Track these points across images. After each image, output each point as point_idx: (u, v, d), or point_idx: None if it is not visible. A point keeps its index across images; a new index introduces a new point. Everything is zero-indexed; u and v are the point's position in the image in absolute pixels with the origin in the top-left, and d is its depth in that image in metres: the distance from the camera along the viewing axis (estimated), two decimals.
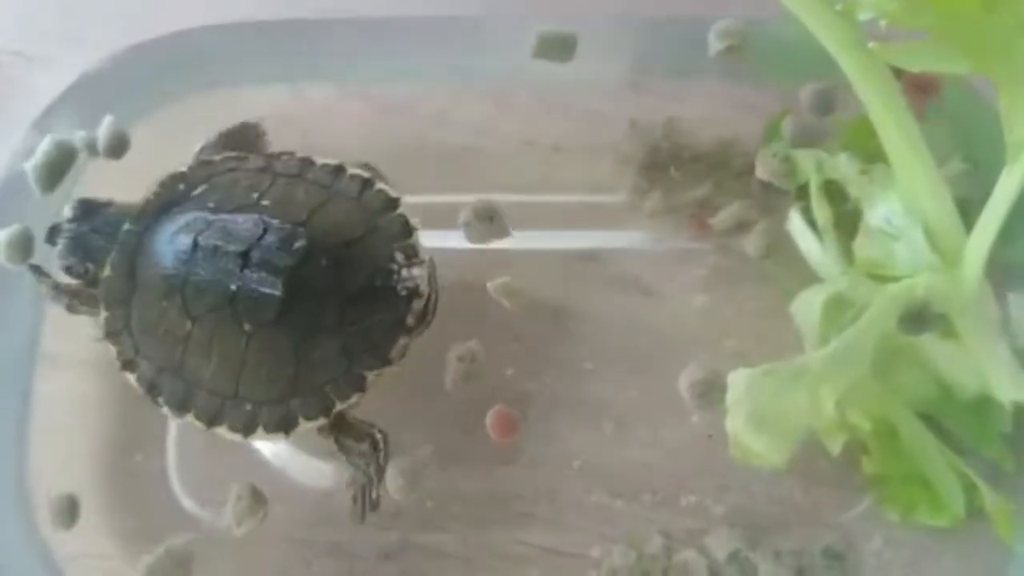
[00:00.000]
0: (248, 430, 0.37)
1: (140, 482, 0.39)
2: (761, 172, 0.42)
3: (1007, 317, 0.40)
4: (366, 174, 0.39)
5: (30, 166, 0.41)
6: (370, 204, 0.39)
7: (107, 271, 0.38)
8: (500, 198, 0.44)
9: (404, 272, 0.37)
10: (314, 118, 0.45)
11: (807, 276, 0.41)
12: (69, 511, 0.39)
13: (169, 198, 0.39)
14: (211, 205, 0.38)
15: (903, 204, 0.38)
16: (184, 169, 0.40)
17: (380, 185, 0.39)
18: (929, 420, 0.39)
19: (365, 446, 0.38)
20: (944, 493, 0.38)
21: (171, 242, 0.37)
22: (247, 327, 0.36)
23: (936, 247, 0.37)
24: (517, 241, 0.44)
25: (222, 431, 0.37)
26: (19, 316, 0.43)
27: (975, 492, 0.38)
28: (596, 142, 0.45)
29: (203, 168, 0.40)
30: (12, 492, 0.41)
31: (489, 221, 0.41)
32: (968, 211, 0.37)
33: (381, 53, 0.45)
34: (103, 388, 0.42)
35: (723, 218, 0.43)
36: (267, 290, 0.35)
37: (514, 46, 0.45)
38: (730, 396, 0.36)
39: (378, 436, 0.38)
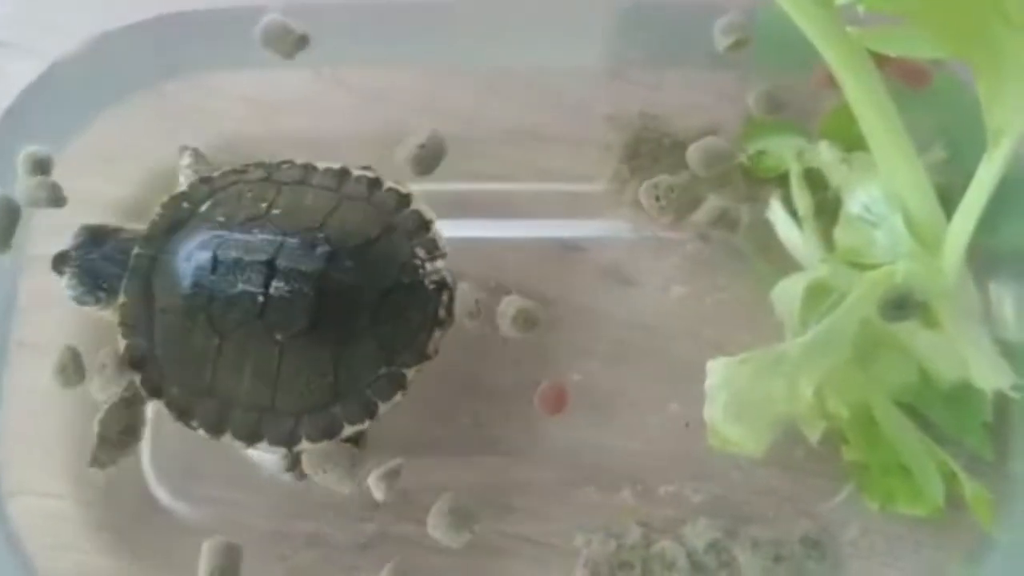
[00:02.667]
0: (291, 441, 0.36)
1: (113, 473, 0.39)
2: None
3: (988, 305, 0.40)
4: (371, 174, 0.39)
5: None
6: (383, 203, 0.38)
7: (122, 298, 0.37)
8: (482, 187, 0.44)
9: (428, 266, 0.37)
10: (290, 105, 0.44)
11: (787, 264, 0.41)
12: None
13: (175, 218, 0.38)
14: (220, 220, 0.37)
15: (883, 191, 0.38)
16: (184, 188, 0.39)
17: (389, 183, 0.39)
18: (909, 408, 0.39)
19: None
20: (923, 482, 0.38)
21: (188, 261, 0.36)
22: (279, 337, 0.35)
23: (916, 234, 0.37)
24: (498, 230, 0.44)
25: (262, 446, 0.36)
26: None
27: (954, 481, 0.38)
28: (578, 131, 0.45)
29: (204, 185, 0.39)
30: None
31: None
32: (949, 198, 0.37)
33: (358, 39, 0.45)
34: None
35: (706, 210, 0.43)
36: (297, 298, 0.35)
37: (497, 34, 0.45)
38: (708, 384, 0.36)
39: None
